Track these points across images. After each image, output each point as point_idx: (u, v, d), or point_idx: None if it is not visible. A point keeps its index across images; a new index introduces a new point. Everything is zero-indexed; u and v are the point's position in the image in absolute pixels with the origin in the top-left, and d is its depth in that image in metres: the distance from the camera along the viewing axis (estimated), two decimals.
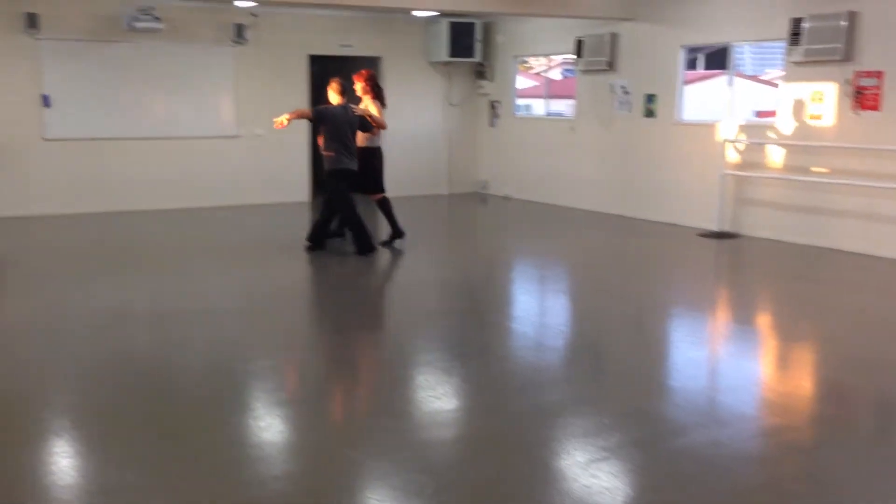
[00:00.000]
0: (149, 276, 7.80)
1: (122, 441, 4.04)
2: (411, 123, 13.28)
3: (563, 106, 14.34)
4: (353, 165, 8.46)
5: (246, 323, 6.31)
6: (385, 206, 9.02)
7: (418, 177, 13.44)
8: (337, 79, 8.68)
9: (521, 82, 15.01)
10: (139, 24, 10.81)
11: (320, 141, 8.44)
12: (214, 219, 11.15)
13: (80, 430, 4.20)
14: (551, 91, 14.59)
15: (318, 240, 8.72)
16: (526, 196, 13.04)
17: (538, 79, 20.28)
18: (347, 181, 8.46)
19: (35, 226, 10.31)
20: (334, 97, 8.56)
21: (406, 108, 13.19)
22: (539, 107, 14.49)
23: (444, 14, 12.19)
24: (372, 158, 8.87)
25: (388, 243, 9.06)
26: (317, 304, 7.22)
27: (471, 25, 12.81)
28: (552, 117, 13.44)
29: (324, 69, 14.28)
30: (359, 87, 8.98)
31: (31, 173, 10.80)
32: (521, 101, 14.42)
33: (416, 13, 11.70)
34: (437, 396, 4.76)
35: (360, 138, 8.68)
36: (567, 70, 17.92)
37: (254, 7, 11.32)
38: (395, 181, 13.34)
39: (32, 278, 7.76)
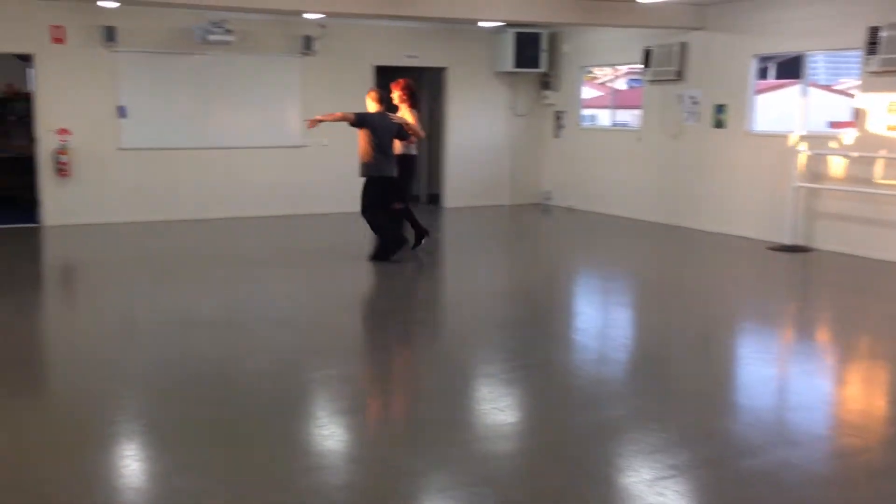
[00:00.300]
0: (217, 284, 7.94)
1: (188, 446, 4.12)
2: (475, 133, 13.30)
3: (629, 116, 14.18)
4: (393, 172, 8.61)
5: (310, 331, 6.37)
6: (406, 213, 9.10)
7: (481, 187, 13.44)
8: (374, 87, 8.83)
9: (586, 92, 14.89)
10: (211, 37, 11.06)
11: (361, 146, 8.55)
12: (281, 228, 11.31)
13: (150, 435, 4.29)
14: (617, 101, 14.46)
15: (415, 244, 9.01)
16: (590, 207, 12.92)
17: (603, 89, 20.12)
18: (385, 187, 8.57)
19: (110, 232, 10.61)
20: (372, 105, 8.69)
21: (470, 118, 13.22)
22: (604, 117, 14.36)
23: (509, 24, 12.18)
24: (407, 165, 8.99)
25: (416, 245, 9.07)
26: (379, 313, 7.26)
27: (536, 36, 12.78)
28: (618, 128, 13.29)
29: (389, 79, 14.43)
30: (396, 95, 9.10)
31: (106, 182, 11.12)
32: (585, 112, 14.30)
33: (481, 24, 11.71)
34: (499, 409, 4.73)
35: (397, 146, 8.77)
36: (633, 80, 17.73)
37: (322, 18, 11.49)
38: (458, 190, 13.42)
39: (106, 284, 7.99)
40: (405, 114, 8.97)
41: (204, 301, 7.25)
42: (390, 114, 8.75)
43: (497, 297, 7.67)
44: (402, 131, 8.71)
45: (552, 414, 4.64)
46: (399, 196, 8.91)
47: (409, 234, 9.10)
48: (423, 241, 9.08)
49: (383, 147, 8.47)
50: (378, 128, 8.47)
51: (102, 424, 4.40)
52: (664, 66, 11.35)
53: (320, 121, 8.47)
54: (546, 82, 13.51)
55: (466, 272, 8.83)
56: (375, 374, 5.47)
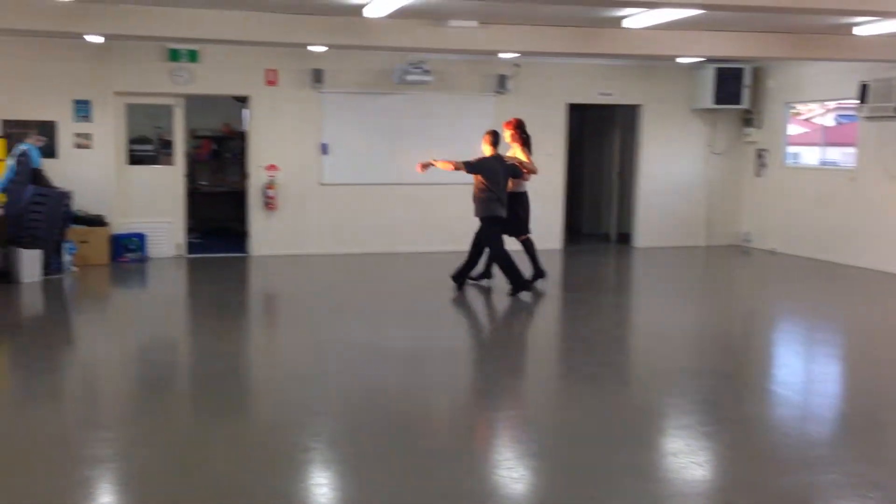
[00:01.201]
0: (406, 315, 8.10)
1: (373, 472, 4.15)
2: (670, 172, 12.89)
3: (838, 154, 13.22)
4: (504, 213, 8.81)
5: (492, 368, 6.32)
6: (528, 247, 9.18)
7: (674, 227, 12.98)
8: (490, 130, 9.05)
9: (790, 129, 14.05)
10: (410, 77, 11.44)
11: (475, 187, 8.80)
12: None
13: (339, 462, 4.37)
14: (826, 139, 13.53)
15: (460, 279, 9.09)
16: (794, 250, 12.11)
17: (808, 125, 18.95)
18: (499, 226, 8.84)
19: (309, 264, 11.13)
20: (487, 149, 8.85)
21: (666, 155, 12.84)
22: (810, 155, 13.49)
23: (710, 60, 11.75)
24: (519, 202, 9.08)
25: (530, 283, 9.04)
26: (565, 353, 7.09)
27: (739, 71, 12.24)
28: (827, 167, 12.44)
29: (582, 117, 14.35)
30: (507, 134, 9.18)
31: (307, 215, 11.70)
32: (790, 150, 13.50)
33: (680, 60, 11.37)
34: (697, 463, 4.44)
35: (509, 183, 8.89)
36: (842, 116, 16.57)
37: (517, 58, 11.59)
38: (650, 230, 13.02)
39: (303, 312, 8.35)
40: (517, 152, 9.08)
41: (392, 332, 7.39)
42: (504, 155, 8.97)
43: (691, 343, 7.31)
44: (516, 170, 8.93)
45: (754, 473, 4.28)
46: (521, 229, 9.14)
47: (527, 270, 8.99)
48: (535, 282, 9.09)
49: (495, 189, 8.70)
50: (491, 171, 8.71)
51: (296, 451, 4.54)
52: (884, 102, 10.50)
53: (431, 164, 8.71)
54: (748, 119, 12.90)
55: (657, 315, 8.49)
56: (559, 416, 5.31)
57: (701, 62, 12.05)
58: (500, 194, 8.76)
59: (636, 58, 11.48)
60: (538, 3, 7.16)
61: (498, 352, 6.86)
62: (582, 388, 5.92)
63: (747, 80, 12.32)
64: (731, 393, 5.77)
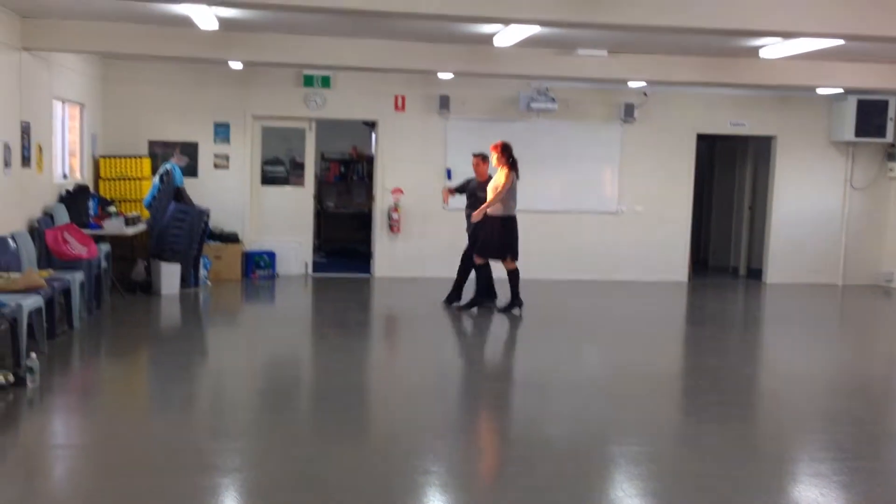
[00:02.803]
0: (529, 344, 8.05)
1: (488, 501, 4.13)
2: (806, 205, 12.36)
3: None
4: (470, 230, 9.41)
5: (619, 401, 6.19)
6: (513, 277, 9.12)
7: (809, 263, 12.41)
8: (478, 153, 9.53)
9: None
10: (535, 105, 11.45)
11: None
12: (594, 293, 11.27)
13: (458, 488, 4.37)
14: None
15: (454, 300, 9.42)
16: None
17: None
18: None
19: (430, 286, 11.22)
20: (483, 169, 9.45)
21: (801, 189, 12.34)
22: None
23: (851, 91, 11.24)
24: (507, 227, 9.01)
25: (467, 306, 9.16)
26: (691, 390, 6.86)
27: (884, 103, 11.66)
28: None
29: (712, 147, 13.98)
30: (494, 157, 9.00)
31: (430, 239, 11.82)
32: None
33: (819, 90, 10.93)
34: None
35: (498, 207, 8.89)
36: None
37: (645, 86, 11.43)
38: (782, 266, 12.48)
39: (424, 333, 8.43)
40: (500, 174, 8.88)
41: (513, 359, 7.37)
42: (473, 178, 9.47)
43: (825, 386, 6.94)
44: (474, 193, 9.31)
45: None
46: (503, 255, 9.08)
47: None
48: (476, 305, 9.17)
49: (469, 208, 9.31)
50: (468, 193, 9.47)
51: (416, 473, 4.57)
52: None
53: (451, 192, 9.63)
54: (892, 153, 12.24)
55: (790, 354, 8.12)
56: (685, 458, 5.13)
57: (841, 93, 11.55)
58: (468, 215, 9.24)
59: (772, 88, 11.11)
60: (671, 33, 7.04)
61: (623, 387, 6.72)
62: (708, 427, 5.70)
63: (892, 112, 11.72)
64: (868, 441, 5.44)
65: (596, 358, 7.69)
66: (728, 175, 13.91)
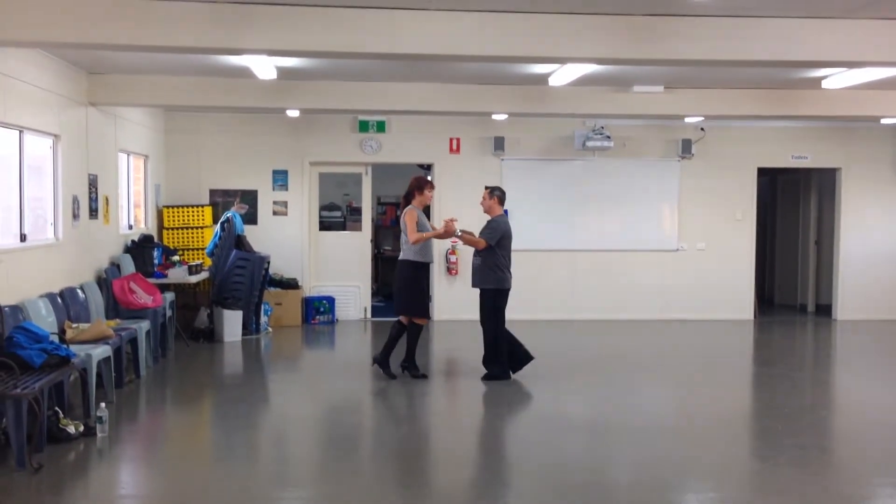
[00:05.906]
0: (588, 386, 7.89)
1: None
2: (875, 238, 12.01)
3: None
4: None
5: (682, 447, 6.00)
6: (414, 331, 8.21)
7: (882, 298, 12.01)
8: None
9: None
10: (591, 143, 11.39)
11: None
12: (655, 332, 11.04)
13: None
14: None
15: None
16: None
17: None
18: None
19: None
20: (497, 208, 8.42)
21: (870, 221, 12.01)
22: None
23: None
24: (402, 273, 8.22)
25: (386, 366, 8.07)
26: (762, 431, 6.61)
27: None
28: None
29: (774, 181, 13.70)
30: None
31: None
32: None
33: (884, 120, 10.66)
34: None
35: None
36: None
37: (702, 121, 11.29)
38: (853, 302, 12.07)
39: (478, 383, 8.33)
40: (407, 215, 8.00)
41: (576, 402, 7.21)
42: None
43: None
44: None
45: None
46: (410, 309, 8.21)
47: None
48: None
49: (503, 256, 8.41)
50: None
51: None
52: None
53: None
54: None
55: (866, 394, 7.81)
56: (764, 502, 4.92)
57: None
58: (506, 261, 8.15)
59: (836, 119, 10.88)
60: (730, 66, 6.93)
61: (695, 432, 6.51)
62: (784, 471, 5.47)
63: None
64: None
65: (657, 397, 7.49)
66: (792, 209, 13.60)
